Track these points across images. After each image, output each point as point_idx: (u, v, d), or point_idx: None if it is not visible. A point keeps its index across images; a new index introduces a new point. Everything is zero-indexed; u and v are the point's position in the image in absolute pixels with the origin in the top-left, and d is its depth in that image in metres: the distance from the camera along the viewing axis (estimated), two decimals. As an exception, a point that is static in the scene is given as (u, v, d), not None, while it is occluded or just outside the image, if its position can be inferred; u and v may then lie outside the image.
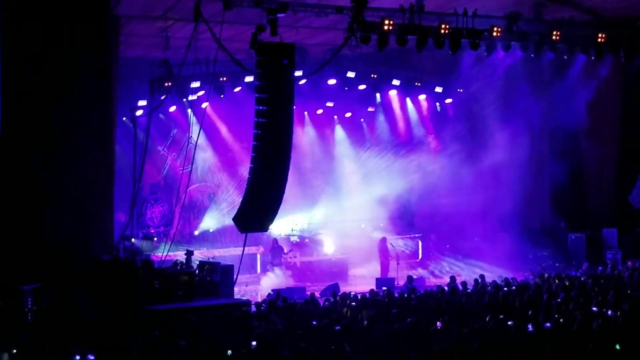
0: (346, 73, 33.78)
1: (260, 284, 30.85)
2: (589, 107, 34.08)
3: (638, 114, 32.18)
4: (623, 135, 34.85)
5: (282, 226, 33.56)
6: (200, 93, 31.60)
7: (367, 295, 24.05)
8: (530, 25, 28.47)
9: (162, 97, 29.66)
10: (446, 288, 24.53)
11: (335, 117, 37.78)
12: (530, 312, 19.82)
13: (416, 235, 35.73)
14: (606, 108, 34.64)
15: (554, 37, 28.16)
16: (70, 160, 24.25)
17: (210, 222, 34.90)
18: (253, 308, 23.40)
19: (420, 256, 34.97)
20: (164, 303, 23.41)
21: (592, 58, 29.78)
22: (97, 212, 25.21)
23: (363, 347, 16.86)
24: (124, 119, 30.46)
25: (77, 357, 16.71)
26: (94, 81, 24.81)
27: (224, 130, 35.14)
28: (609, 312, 19.68)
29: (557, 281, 24.86)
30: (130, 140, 29.53)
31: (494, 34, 27.17)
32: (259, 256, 31.80)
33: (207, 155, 35.08)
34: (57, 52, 23.95)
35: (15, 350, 17.32)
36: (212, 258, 28.05)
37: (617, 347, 16.63)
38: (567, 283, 24.30)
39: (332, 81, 34.08)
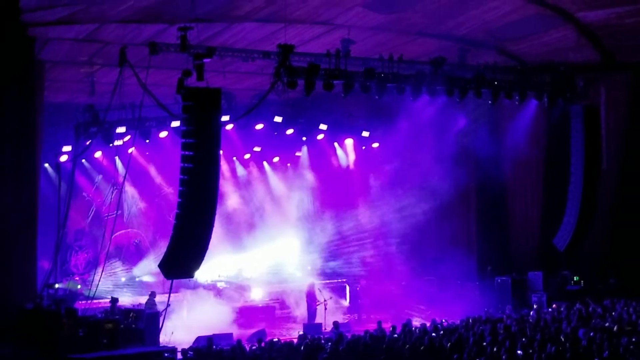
0: (273, 118, 33.78)
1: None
2: (514, 149, 34.52)
3: (562, 157, 32.47)
4: (547, 178, 35.18)
5: (209, 272, 33.23)
6: (127, 138, 31.28)
7: (295, 341, 23.91)
8: (455, 70, 28.85)
9: (88, 142, 29.39)
10: (373, 333, 24.47)
11: (265, 162, 37.79)
12: (455, 356, 19.83)
13: (344, 280, 35.63)
14: (532, 151, 34.99)
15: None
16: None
17: (136, 268, 34.48)
18: (179, 355, 23.11)
19: (348, 301, 34.83)
20: (89, 351, 22.99)
21: (516, 103, 30.27)
22: (19, 260, 24.84)
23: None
24: (46, 165, 30.08)
25: None
26: (17, 127, 24.61)
27: (150, 175, 34.89)
28: (534, 356, 19.77)
29: (483, 325, 24.94)
30: (55, 186, 29.15)
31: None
32: (185, 302, 31.35)
33: (133, 201, 34.79)
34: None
35: None
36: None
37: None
38: (494, 326, 24.43)
39: (259, 126, 34.08)
